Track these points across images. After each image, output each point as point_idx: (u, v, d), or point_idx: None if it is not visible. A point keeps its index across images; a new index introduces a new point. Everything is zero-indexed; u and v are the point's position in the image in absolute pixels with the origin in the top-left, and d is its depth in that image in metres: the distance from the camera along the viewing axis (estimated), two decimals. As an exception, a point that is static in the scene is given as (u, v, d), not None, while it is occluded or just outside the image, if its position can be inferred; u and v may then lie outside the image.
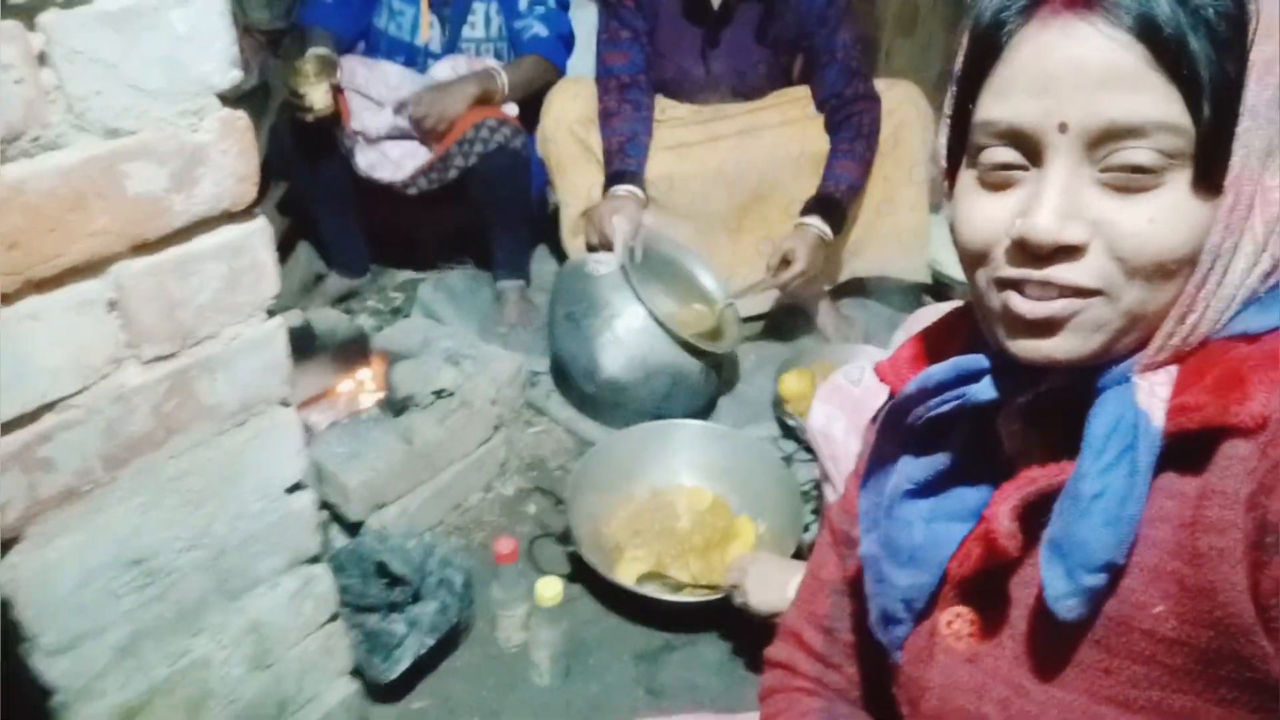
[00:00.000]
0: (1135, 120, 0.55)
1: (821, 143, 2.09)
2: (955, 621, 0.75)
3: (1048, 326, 0.60)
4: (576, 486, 1.71)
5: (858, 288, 2.38)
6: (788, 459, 1.83)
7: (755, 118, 2.16)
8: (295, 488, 1.13)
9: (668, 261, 2.07)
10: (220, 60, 0.87)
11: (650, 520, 1.71)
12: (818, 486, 1.66)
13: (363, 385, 1.95)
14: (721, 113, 2.18)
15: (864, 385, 1.31)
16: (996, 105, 0.60)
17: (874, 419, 0.89)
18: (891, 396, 0.83)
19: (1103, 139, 0.56)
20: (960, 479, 0.72)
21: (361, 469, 1.68)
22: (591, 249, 2.03)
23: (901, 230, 2.17)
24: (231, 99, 0.90)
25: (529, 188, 2.30)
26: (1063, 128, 0.56)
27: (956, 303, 1.41)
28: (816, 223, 1.98)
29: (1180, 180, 0.56)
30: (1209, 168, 0.56)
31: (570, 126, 2.12)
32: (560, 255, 2.45)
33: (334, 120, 2.10)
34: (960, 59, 0.64)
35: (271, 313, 1.03)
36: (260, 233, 0.98)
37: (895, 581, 0.75)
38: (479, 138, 2.13)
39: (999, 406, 0.68)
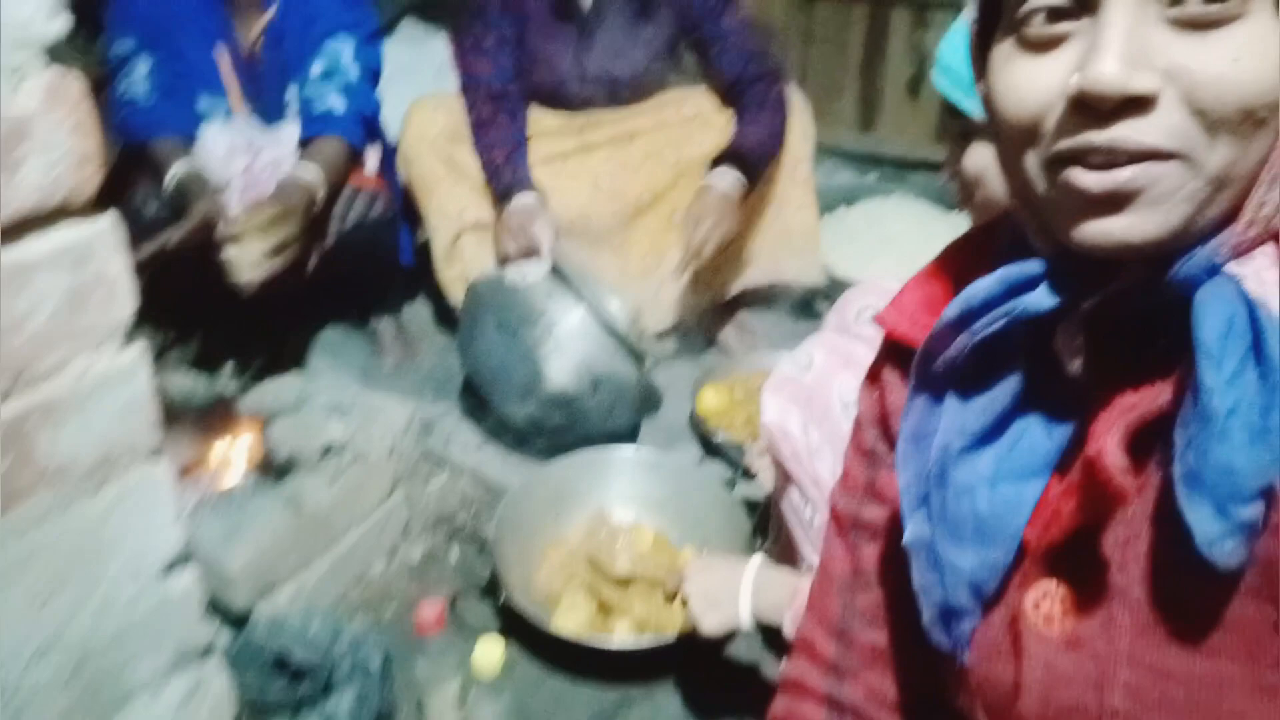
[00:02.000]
0: None
1: (701, 146, 1.99)
2: (1044, 602, 0.61)
3: (1115, 202, 0.50)
4: (501, 530, 1.51)
5: (754, 297, 2.29)
6: (730, 483, 1.69)
7: (629, 124, 2.06)
8: (175, 564, 0.90)
9: (579, 272, 1.91)
10: (43, 1, 0.67)
11: (587, 563, 1.53)
12: (766, 504, 1.53)
13: (233, 451, 1.69)
14: (593, 120, 2.05)
15: (814, 371, 1.19)
16: None
17: (870, 378, 0.77)
18: (894, 346, 0.71)
19: None
20: (1025, 424, 0.60)
21: (244, 548, 1.44)
22: (504, 261, 1.86)
23: (791, 232, 2.09)
24: (60, 54, 0.69)
25: (396, 247, 2.11)
26: None
27: (892, 283, 1.33)
28: (724, 175, 1.84)
29: (1264, 9, 0.47)
30: None
31: (433, 143, 1.94)
32: (438, 296, 2.27)
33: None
34: None
35: (129, 338, 0.81)
36: (109, 234, 0.76)
37: (958, 564, 0.61)
38: (333, 216, 1.90)
39: (1056, 320, 0.57)
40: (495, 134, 1.91)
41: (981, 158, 1.04)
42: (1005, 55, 0.55)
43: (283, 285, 1.87)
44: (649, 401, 1.95)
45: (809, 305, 2.32)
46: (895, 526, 0.68)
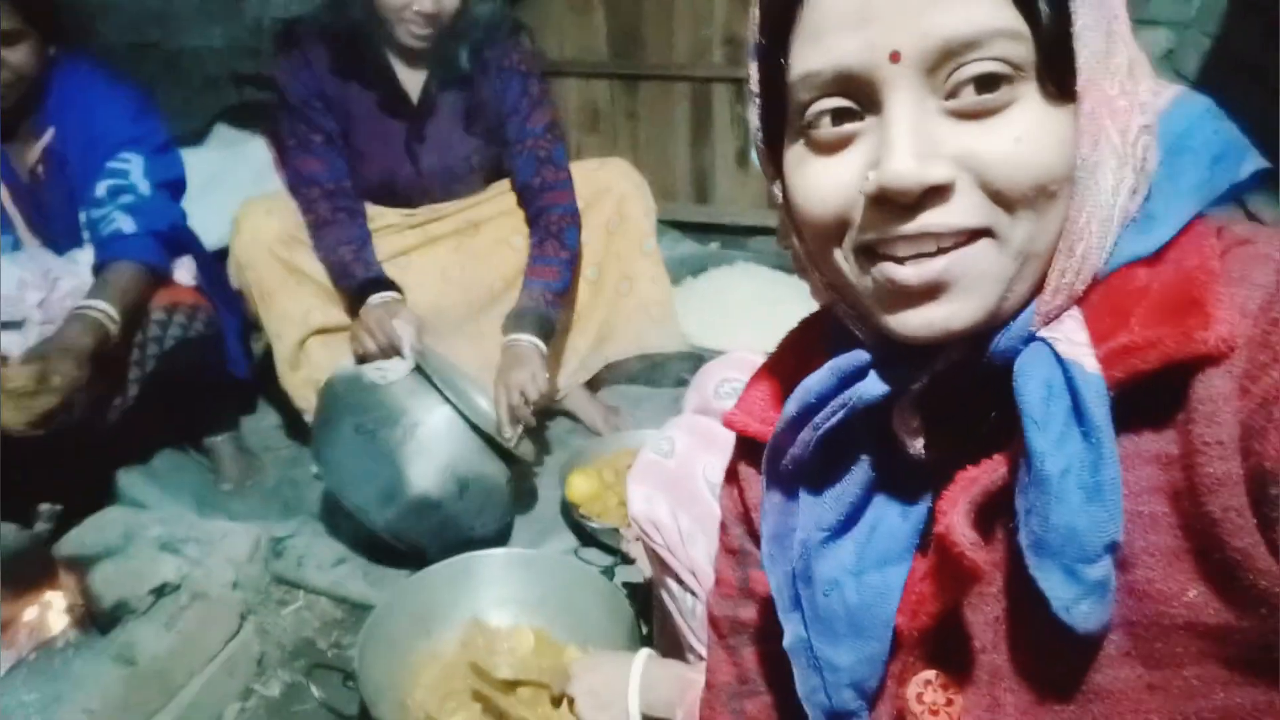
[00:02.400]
0: (971, 31, 0.48)
1: None
2: (926, 691, 0.60)
3: (933, 292, 0.51)
4: (366, 655, 1.38)
5: (615, 374, 2.26)
6: (608, 571, 1.62)
7: (472, 213, 2.02)
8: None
9: (442, 371, 1.82)
10: None
11: (464, 677, 1.42)
12: (648, 587, 1.47)
13: (51, 606, 1.50)
14: (436, 213, 2.00)
15: (677, 455, 1.16)
16: (813, 53, 0.52)
17: (729, 478, 0.76)
18: (748, 443, 0.71)
19: (941, 60, 0.49)
20: (879, 510, 0.60)
21: (68, 716, 1.26)
22: (362, 360, 1.75)
23: (648, 304, 2.09)
24: None
25: (225, 360, 1.97)
26: (894, 57, 0.49)
27: (746, 355, 1.33)
28: (525, 338, 1.81)
29: (1032, 93, 0.49)
30: (1059, 74, 0.49)
31: (270, 248, 1.83)
32: (280, 403, 2.13)
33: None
34: (756, 26, 0.56)
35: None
36: None
37: (836, 663, 0.60)
38: (149, 338, 1.77)
39: (892, 405, 0.57)
40: (338, 232, 1.82)
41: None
42: (797, 158, 0.55)
43: (87, 421, 1.72)
44: (524, 501, 1.87)
45: (668, 375, 2.31)
46: (773, 623, 0.66)
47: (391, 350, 1.72)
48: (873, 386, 0.56)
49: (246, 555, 1.63)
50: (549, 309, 1.86)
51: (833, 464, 0.59)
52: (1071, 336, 0.51)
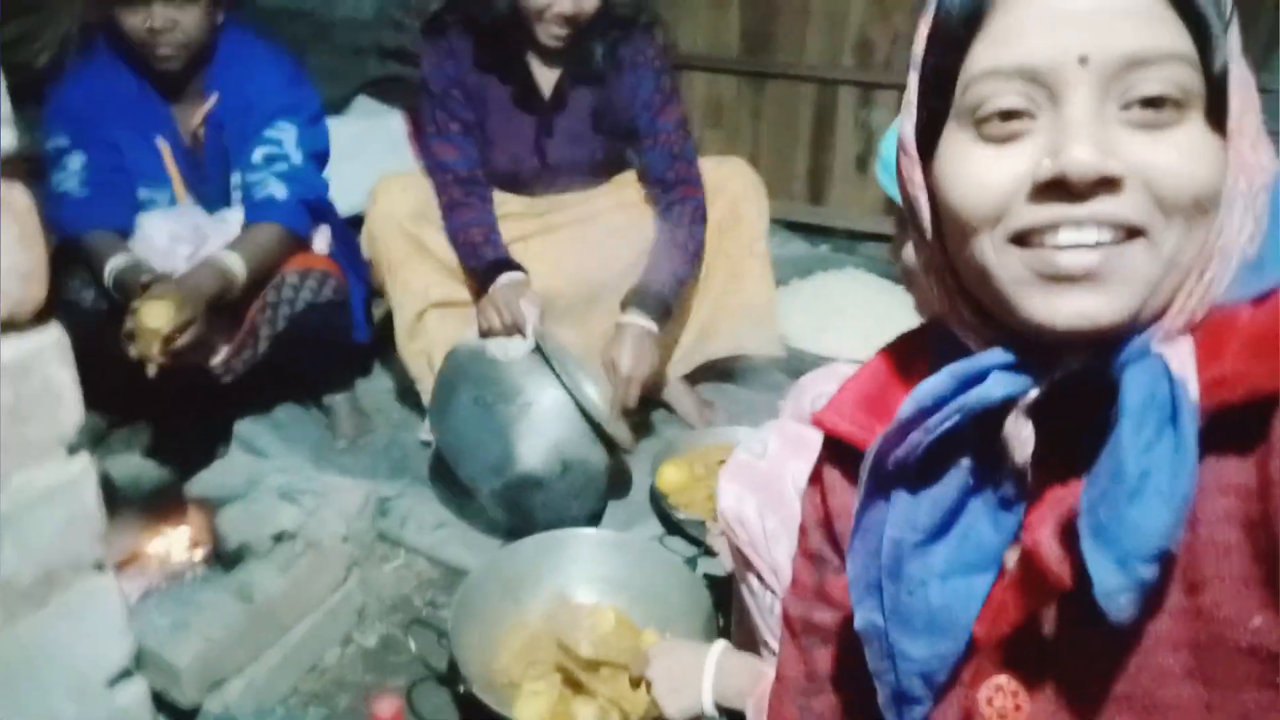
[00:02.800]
0: (1153, 51, 0.53)
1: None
2: (996, 696, 0.63)
3: (1088, 280, 0.54)
4: (459, 617, 1.48)
5: (712, 370, 2.30)
6: (691, 561, 1.67)
7: (591, 205, 2.08)
8: (121, 677, 0.87)
9: (560, 353, 1.90)
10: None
11: (548, 648, 1.50)
12: (728, 580, 1.52)
13: (181, 540, 1.64)
14: (556, 203, 2.08)
15: (770, 457, 1.20)
16: (1002, 50, 0.56)
17: (812, 480, 0.79)
18: (834, 445, 0.73)
19: (1123, 70, 0.53)
20: (973, 518, 0.62)
21: (192, 641, 1.39)
22: (486, 335, 1.85)
23: (750, 306, 2.12)
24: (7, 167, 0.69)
25: (350, 325, 2.10)
26: (1083, 60, 0.53)
27: (845, 367, 1.35)
28: (639, 319, 1.86)
29: (1197, 118, 0.54)
30: (1219, 108, 0.55)
31: (400, 223, 1.94)
32: (394, 369, 2.25)
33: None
34: (924, 40, 0.61)
35: (74, 449, 0.79)
36: (55, 347, 0.75)
37: (910, 654, 0.63)
38: (282, 299, 1.88)
39: (1003, 413, 0.59)
40: (469, 214, 1.92)
41: (910, 255, 1.07)
42: (960, 146, 0.58)
43: (219, 369, 1.86)
44: (618, 487, 1.93)
45: (766, 379, 2.33)
46: (846, 629, 0.69)
47: (515, 329, 1.80)
48: (993, 389, 0.58)
49: (356, 511, 1.74)
50: (670, 295, 1.91)
51: (934, 468, 0.62)
52: (1184, 358, 0.55)
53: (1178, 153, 0.53)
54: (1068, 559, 0.55)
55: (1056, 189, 0.54)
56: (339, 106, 3.52)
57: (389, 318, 2.13)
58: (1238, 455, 0.54)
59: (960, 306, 0.62)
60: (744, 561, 1.20)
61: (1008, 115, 0.56)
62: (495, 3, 1.89)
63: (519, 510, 1.77)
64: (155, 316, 1.63)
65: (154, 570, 1.59)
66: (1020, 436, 0.59)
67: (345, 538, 1.66)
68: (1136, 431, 0.52)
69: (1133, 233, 0.54)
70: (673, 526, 1.84)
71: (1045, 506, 0.57)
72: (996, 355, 0.59)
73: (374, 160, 3.09)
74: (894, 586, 0.63)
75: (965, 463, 0.61)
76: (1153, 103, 0.53)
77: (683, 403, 2.18)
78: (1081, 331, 0.55)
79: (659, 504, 1.86)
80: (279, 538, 1.58)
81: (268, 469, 1.83)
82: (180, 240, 1.88)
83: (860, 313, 2.44)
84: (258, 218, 1.88)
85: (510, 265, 1.89)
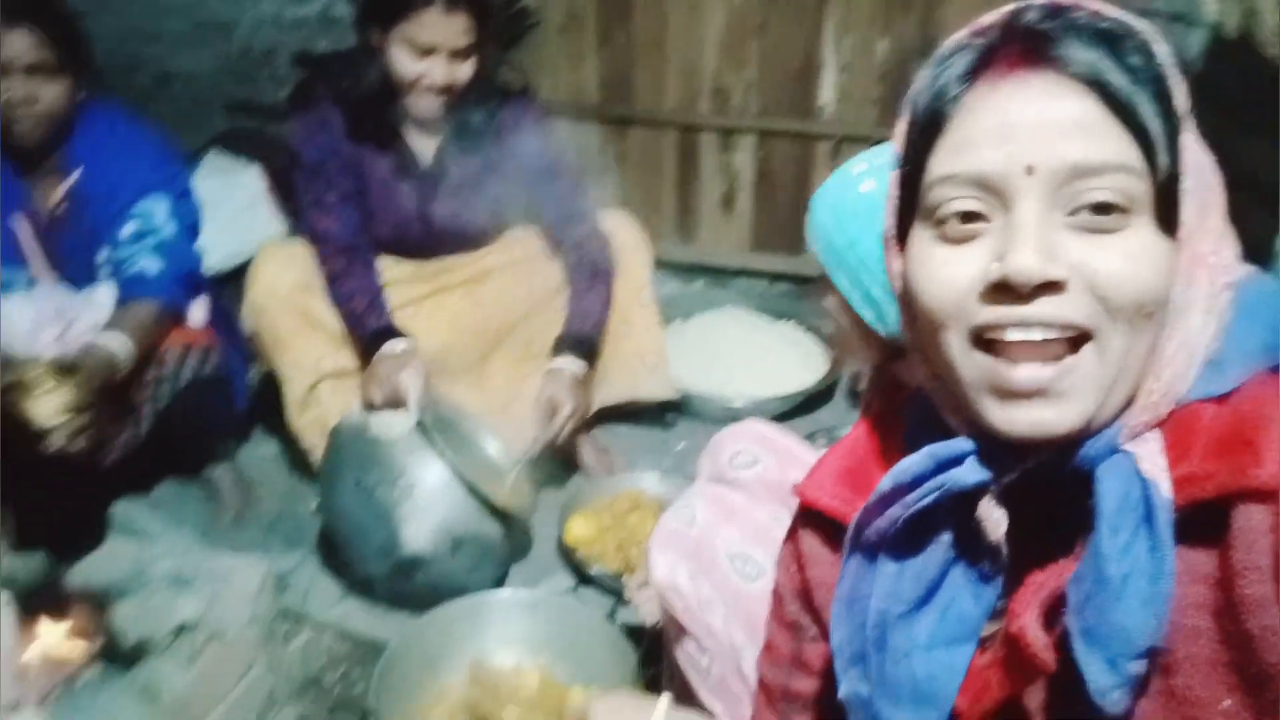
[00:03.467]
0: (1098, 161, 0.57)
1: (550, 278, 2.05)
2: None
3: (1041, 394, 0.58)
4: (380, 694, 1.45)
5: (604, 414, 2.33)
6: (610, 613, 1.69)
7: (481, 263, 2.10)
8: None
9: (447, 421, 1.88)
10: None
11: (473, 716, 1.49)
12: (648, 631, 1.54)
13: (69, 640, 1.53)
14: (446, 265, 2.08)
15: (699, 524, 1.21)
16: (957, 159, 0.60)
17: (789, 551, 0.81)
18: (813, 515, 0.77)
19: (1068, 179, 0.57)
20: (953, 590, 0.66)
21: (96, 752, 1.31)
22: (369, 408, 1.80)
23: (643, 352, 2.16)
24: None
25: (231, 396, 2.03)
26: (1029, 170, 0.57)
27: (757, 425, 1.40)
28: (570, 363, 1.91)
29: (1144, 223, 0.58)
30: (1167, 214, 0.58)
31: (286, 296, 1.89)
32: (276, 434, 2.18)
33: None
34: (903, 136, 0.66)
35: None
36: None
37: None
38: (164, 377, 1.82)
39: (977, 496, 0.63)
40: (352, 283, 1.89)
41: (832, 307, 1.14)
42: (923, 246, 0.63)
43: (93, 455, 1.75)
44: (519, 548, 1.92)
45: (658, 421, 2.38)
46: (827, 698, 0.72)
47: (397, 402, 1.77)
48: (968, 474, 0.62)
49: (256, 591, 1.67)
50: (595, 336, 1.96)
51: (916, 540, 0.65)
52: (1153, 458, 0.59)
53: (1121, 258, 0.57)
54: (1051, 643, 0.59)
55: (1006, 290, 0.58)
56: (188, 163, 3.38)
57: (267, 381, 2.06)
58: (1205, 546, 0.57)
59: (940, 389, 0.66)
60: (679, 627, 1.22)
61: (965, 217, 0.60)
62: (366, 75, 1.88)
63: (411, 590, 1.74)
64: (46, 411, 1.55)
65: (39, 676, 1.48)
66: (993, 518, 0.63)
67: (250, 621, 1.60)
68: (1113, 535, 0.56)
69: (1080, 337, 0.57)
70: (584, 577, 1.85)
71: (1028, 591, 0.60)
72: (971, 442, 0.63)
73: (231, 217, 2.99)
74: (879, 656, 0.66)
75: (945, 537, 0.65)
76: (1099, 208, 0.57)
77: (582, 452, 2.20)
78: (1038, 440, 0.59)
79: (569, 557, 1.87)
80: (180, 630, 1.50)
81: (154, 553, 1.73)
82: (44, 324, 1.77)
83: (744, 351, 2.52)
84: (133, 294, 1.80)
85: (393, 333, 1.86)
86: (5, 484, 1.83)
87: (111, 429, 1.78)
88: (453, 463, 1.68)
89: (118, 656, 1.48)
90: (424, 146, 1.98)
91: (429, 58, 1.81)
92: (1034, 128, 0.57)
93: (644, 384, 2.18)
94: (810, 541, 0.78)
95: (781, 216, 3.22)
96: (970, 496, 0.63)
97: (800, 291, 3.23)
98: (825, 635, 0.77)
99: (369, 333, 1.86)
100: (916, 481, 0.64)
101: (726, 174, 3.21)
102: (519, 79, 2.04)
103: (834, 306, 1.14)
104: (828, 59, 3.01)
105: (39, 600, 1.60)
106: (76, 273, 1.89)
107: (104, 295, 1.85)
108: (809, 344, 2.62)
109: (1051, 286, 0.57)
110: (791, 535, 0.80)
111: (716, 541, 1.17)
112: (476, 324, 2.05)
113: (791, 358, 2.53)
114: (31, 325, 1.77)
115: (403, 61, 1.82)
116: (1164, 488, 0.57)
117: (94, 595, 1.59)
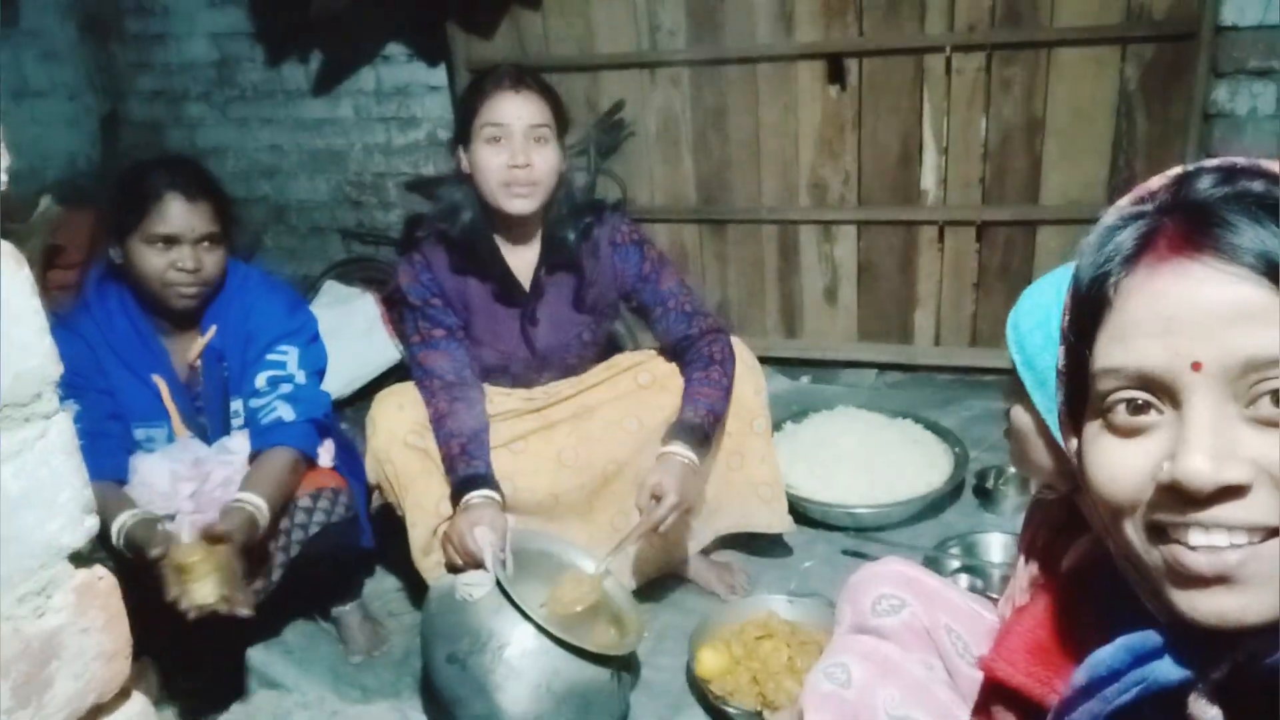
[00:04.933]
0: (1273, 352, 0.52)
1: (660, 411, 2.01)
2: None
3: (1225, 581, 0.53)
4: None
5: (721, 542, 2.25)
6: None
7: (587, 397, 2.08)
8: None
9: (538, 556, 1.86)
10: (70, 512, 0.64)
11: None
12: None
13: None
14: (552, 396, 2.08)
15: (856, 686, 1.15)
16: (1119, 351, 0.57)
17: (978, 713, 0.76)
18: (1000, 689, 0.72)
19: (1242, 373, 0.53)
20: None
21: None
22: (454, 570, 1.79)
23: (757, 483, 2.10)
24: (86, 554, 0.66)
25: (360, 534, 2.05)
26: (1196, 366, 0.53)
27: (897, 564, 1.32)
28: (681, 449, 1.85)
29: None
30: None
31: (404, 440, 1.91)
32: (400, 567, 2.19)
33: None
34: (1068, 317, 0.63)
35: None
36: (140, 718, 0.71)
37: None
38: (295, 525, 1.86)
39: (1187, 687, 0.58)
40: (452, 424, 1.89)
41: (1021, 418, 1.07)
42: (1094, 436, 0.59)
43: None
44: (630, 682, 1.83)
45: (776, 545, 2.28)
46: None
47: (475, 562, 1.73)
48: (1169, 670, 0.57)
49: (392, 743, 1.67)
50: (708, 427, 1.90)
51: None
52: None
53: None
54: None
55: (1181, 492, 0.53)
56: (306, 290, 3.54)
57: (388, 514, 2.08)
58: None
59: (1132, 570, 0.61)
60: None
61: (1134, 409, 0.56)
62: (461, 211, 1.93)
63: None
64: (205, 592, 1.61)
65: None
66: (1207, 717, 0.58)
67: (387, 779, 1.59)
68: None
69: (1272, 531, 0.53)
70: (718, 714, 1.78)
71: None
72: (1170, 632, 0.58)
73: (350, 344, 3.10)
74: None
75: None
76: (1278, 397, 0.52)
77: (702, 574, 2.15)
78: (1227, 629, 0.54)
79: (700, 691, 1.81)
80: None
81: (289, 704, 1.76)
82: (181, 479, 1.83)
83: (861, 453, 2.44)
84: (269, 442, 1.85)
85: (477, 483, 1.83)
86: (144, 638, 1.89)
87: (248, 578, 1.82)
88: (537, 620, 1.62)
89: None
90: (523, 267, 2.00)
91: None
92: (1197, 321, 0.53)
93: (760, 516, 2.11)
94: (1001, 712, 0.74)
95: (886, 305, 3.16)
96: (1179, 691, 0.58)
97: (912, 381, 3.15)
98: None
99: (457, 480, 1.85)
100: (1114, 675, 0.59)
101: (828, 265, 3.17)
102: (614, 199, 2.05)
103: (1022, 423, 1.07)
104: (928, 142, 2.96)
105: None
106: (211, 426, 1.96)
107: (237, 444, 1.92)
108: (930, 441, 2.52)
109: (1232, 490, 0.52)
110: (980, 705, 0.76)
111: (877, 702, 1.11)
112: (583, 460, 2.01)
113: (914, 457, 2.43)
114: (169, 482, 1.84)
115: None
116: None
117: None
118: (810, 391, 3.12)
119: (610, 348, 2.16)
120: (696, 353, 1.98)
